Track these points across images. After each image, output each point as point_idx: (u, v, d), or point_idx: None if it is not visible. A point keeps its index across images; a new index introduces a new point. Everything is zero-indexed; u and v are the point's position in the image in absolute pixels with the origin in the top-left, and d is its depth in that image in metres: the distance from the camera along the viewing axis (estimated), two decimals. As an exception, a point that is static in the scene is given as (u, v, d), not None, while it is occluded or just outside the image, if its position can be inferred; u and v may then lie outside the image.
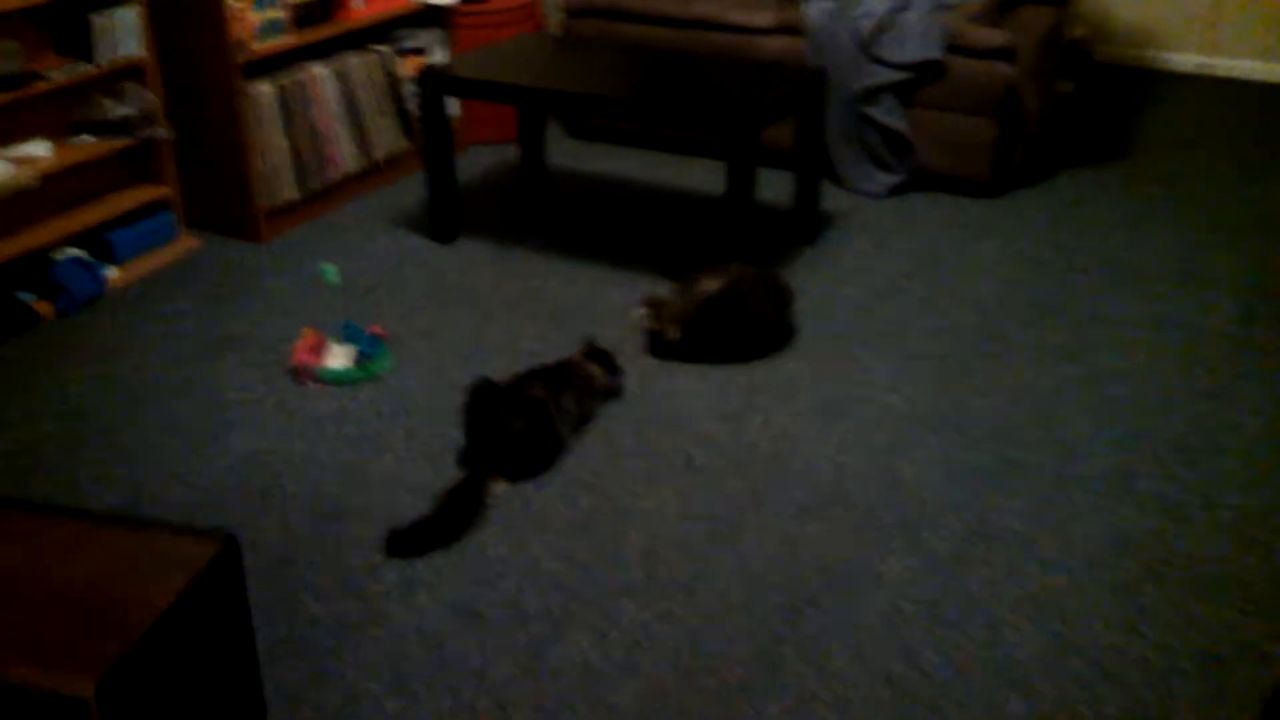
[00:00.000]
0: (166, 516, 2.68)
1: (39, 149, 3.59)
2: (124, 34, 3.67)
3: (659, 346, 3.35)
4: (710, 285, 3.32)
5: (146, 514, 2.69)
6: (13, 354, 3.39)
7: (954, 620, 2.38)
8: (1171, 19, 6.02)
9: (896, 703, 2.18)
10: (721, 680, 2.24)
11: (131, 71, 3.78)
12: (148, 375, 3.27)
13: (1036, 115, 4.53)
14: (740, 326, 3.31)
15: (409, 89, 4.51)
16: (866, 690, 2.21)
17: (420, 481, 2.81)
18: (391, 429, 3.02)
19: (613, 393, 3.13)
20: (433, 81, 3.84)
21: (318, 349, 3.25)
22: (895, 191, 4.48)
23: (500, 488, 2.77)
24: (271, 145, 4.03)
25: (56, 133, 3.72)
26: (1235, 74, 5.95)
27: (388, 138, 4.50)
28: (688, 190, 4.55)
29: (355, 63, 4.33)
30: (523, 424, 2.80)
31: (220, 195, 4.07)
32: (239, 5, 3.81)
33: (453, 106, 4.77)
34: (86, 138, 3.73)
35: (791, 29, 4.53)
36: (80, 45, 3.63)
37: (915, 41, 4.30)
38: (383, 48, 4.45)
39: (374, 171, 4.52)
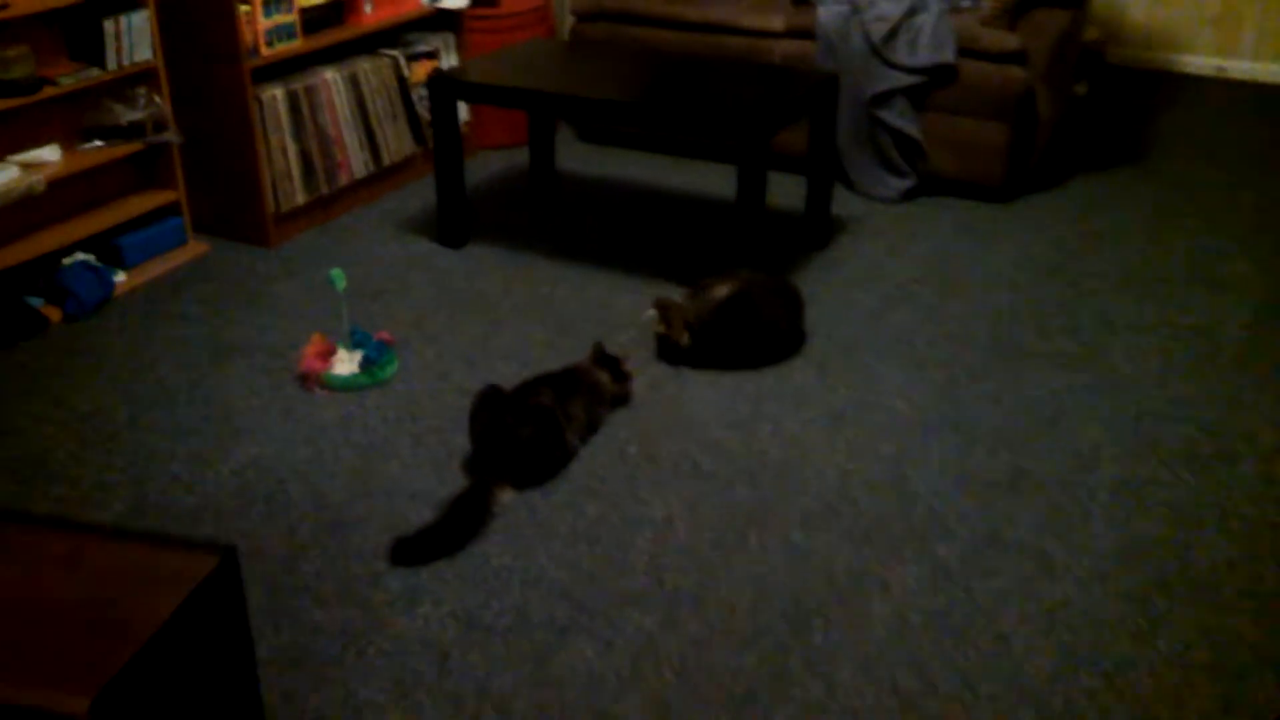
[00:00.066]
0: (171, 522, 2.68)
1: (49, 154, 3.60)
2: (135, 39, 3.68)
3: (669, 351, 3.34)
4: (721, 291, 3.31)
5: (151, 520, 2.68)
6: (21, 359, 3.39)
7: (963, 630, 2.36)
8: (1187, 21, 5.98)
9: (903, 714, 2.16)
10: (728, 690, 2.22)
11: (142, 76, 3.78)
12: (155, 380, 3.27)
13: (1050, 119, 4.50)
14: (751, 332, 3.30)
15: (419, 93, 4.51)
16: (874, 701, 2.19)
17: (426, 489, 2.80)
18: (398, 435, 3.01)
19: (621, 399, 3.12)
20: (443, 86, 3.83)
21: (326, 355, 3.25)
22: (907, 196, 4.45)
23: (507, 495, 2.75)
24: (281, 150, 4.03)
25: (67, 138, 3.72)
26: (1251, 77, 5.91)
27: (398, 142, 4.50)
28: (699, 195, 4.54)
29: (366, 67, 4.32)
30: (530, 431, 2.78)
31: (229, 200, 4.07)
32: (249, 9, 3.81)
33: (463, 111, 4.77)
34: (97, 143, 3.73)
35: (803, 33, 4.51)
36: (93, 50, 3.63)
37: (928, 45, 4.28)
38: (393, 52, 4.45)
39: (383, 176, 4.52)
